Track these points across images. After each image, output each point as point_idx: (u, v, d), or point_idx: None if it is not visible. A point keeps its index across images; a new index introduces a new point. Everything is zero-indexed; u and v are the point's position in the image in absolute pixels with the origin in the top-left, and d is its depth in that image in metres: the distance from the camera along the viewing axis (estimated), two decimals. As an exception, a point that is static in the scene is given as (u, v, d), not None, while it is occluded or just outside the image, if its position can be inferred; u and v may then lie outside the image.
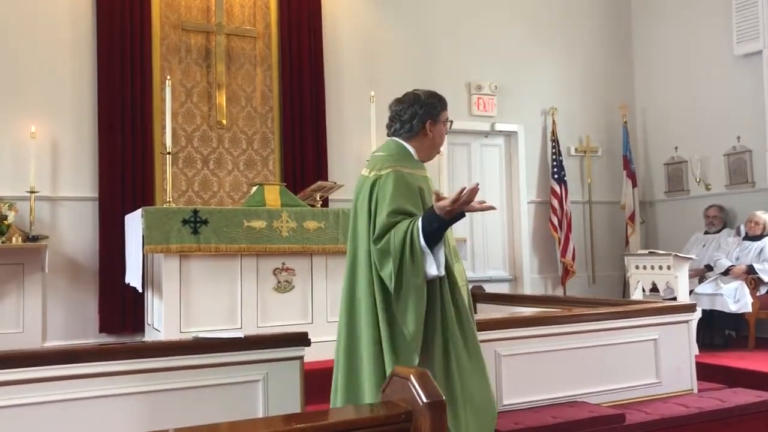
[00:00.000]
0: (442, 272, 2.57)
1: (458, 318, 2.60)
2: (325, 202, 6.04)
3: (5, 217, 5.56)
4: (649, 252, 6.50)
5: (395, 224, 2.57)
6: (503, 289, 7.77)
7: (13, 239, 5.55)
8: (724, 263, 6.56)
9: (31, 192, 5.78)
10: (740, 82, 7.52)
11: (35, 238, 5.71)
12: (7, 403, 2.80)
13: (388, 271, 2.55)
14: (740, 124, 7.50)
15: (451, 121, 2.92)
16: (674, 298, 5.85)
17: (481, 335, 2.93)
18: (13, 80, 5.99)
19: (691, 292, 6.21)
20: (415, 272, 2.51)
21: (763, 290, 6.34)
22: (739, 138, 7.51)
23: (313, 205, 5.36)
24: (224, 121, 6.63)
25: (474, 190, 2.45)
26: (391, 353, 2.57)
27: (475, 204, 2.82)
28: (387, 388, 1.60)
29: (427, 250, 2.52)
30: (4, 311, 5.64)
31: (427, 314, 2.56)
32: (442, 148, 3.04)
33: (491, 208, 2.84)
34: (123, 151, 6.16)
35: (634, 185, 8.40)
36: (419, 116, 2.80)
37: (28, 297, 5.71)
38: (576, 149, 8.47)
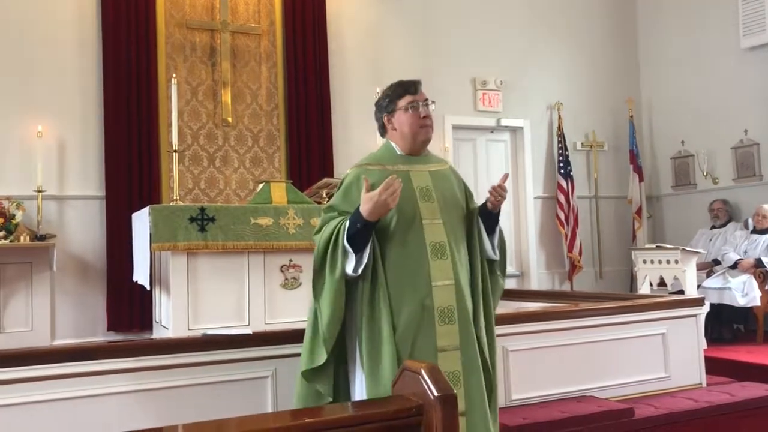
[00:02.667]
0: (358, 273, 2.54)
1: (371, 318, 2.56)
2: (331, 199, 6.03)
3: (13, 217, 5.58)
4: (657, 246, 6.48)
5: (329, 219, 2.66)
6: (510, 284, 7.75)
7: (21, 238, 5.57)
8: (732, 257, 6.54)
9: (39, 191, 5.80)
10: (747, 75, 7.49)
11: (43, 237, 5.73)
12: (18, 400, 2.82)
13: (314, 262, 2.64)
14: (747, 117, 7.47)
15: (425, 101, 2.77)
16: (682, 292, 5.84)
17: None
18: (19, 80, 6.01)
19: (698, 286, 6.19)
20: (333, 268, 2.56)
21: (771, 284, 6.32)
22: (746, 131, 7.48)
23: (319, 202, 5.36)
24: (230, 119, 6.63)
25: (393, 184, 2.47)
26: (308, 343, 2.66)
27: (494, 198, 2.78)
28: (398, 382, 1.60)
29: (350, 250, 2.53)
30: (14, 310, 5.66)
31: (350, 312, 2.62)
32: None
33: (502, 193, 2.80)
34: (129, 150, 6.18)
35: (641, 180, 8.38)
36: (378, 116, 2.86)
37: (36, 295, 5.73)
38: (582, 144, 8.45)
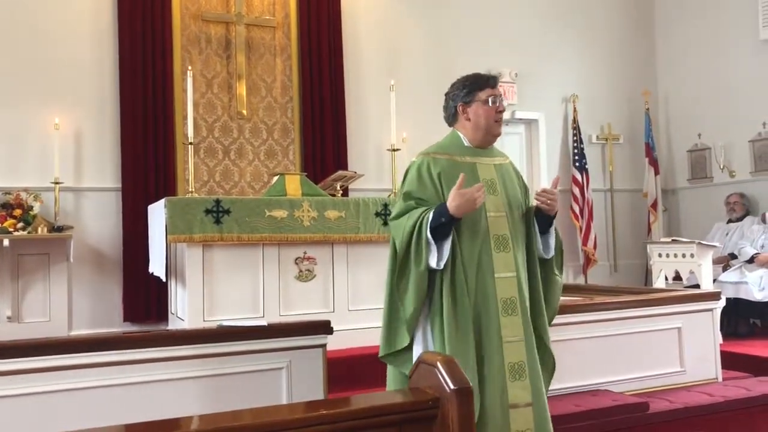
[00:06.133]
0: (441, 266, 2.60)
1: (453, 310, 2.60)
2: (345, 192, 6.05)
3: (31, 208, 5.63)
4: (672, 240, 6.43)
5: (411, 208, 2.68)
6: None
7: (39, 229, 5.62)
8: (749, 251, 6.48)
9: (56, 183, 5.84)
10: (766, 67, 7.40)
11: (60, 229, 5.78)
12: (36, 390, 2.85)
13: (397, 251, 2.67)
14: (766, 109, 7.38)
15: (500, 97, 2.84)
16: (697, 287, 5.79)
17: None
18: (36, 73, 6.05)
19: (714, 280, 6.14)
20: (417, 260, 2.60)
21: (788, 278, 6.25)
22: (764, 124, 7.40)
23: (333, 195, 5.37)
24: (245, 112, 6.65)
25: (479, 189, 2.56)
26: (386, 327, 2.69)
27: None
28: (414, 374, 1.60)
29: (432, 242, 2.58)
30: (31, 301, 5.72)
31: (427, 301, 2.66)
32: (503, 129, 2.95)
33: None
34: (145, 142, 6.21)
35: (657, 173, 8.32)
36: (451, 102, 2.88)
37: (53, 286, 5.79)
38: (597, 137, 8.39)
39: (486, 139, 2.83)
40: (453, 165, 2.74)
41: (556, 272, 2.90)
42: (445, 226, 2.58)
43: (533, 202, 2.86)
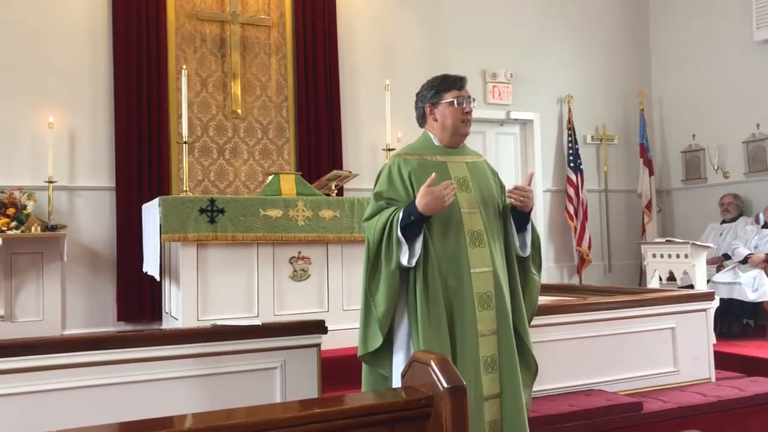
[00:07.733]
0: (413, 264, 2.61)
1: (427, 306, 2.61)
2: (340, 191, 6.05)
3: (24, 207, 5.61)
4: (666, 240, 6.45)
5: (382, 208, 2.71)
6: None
7: (32, 228, 5.60)
8: (743, 251, 6.50)
9: (50, 182, 5.83)
10: (760, 68, 7.43)
11: (54, 228, 5.76)
12: (29, 389, 2.85)
13: (369, 251, 2.70)
14: (759, 111, 7.41)
15: (468, 98, 2.83)
16: (691, 287, 5.81)
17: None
18: (30, 71, 6.03)
19: (708, 280, 6.16)
20: (388, 259, 2.62)
21: (782, 279, 6.27)
22: (758, 125, 7.43)
23: (328, 194, 5.36)
24: (239, 111, 6.64)
25: (447, 186, 2.58)
26: (362, 328, 2.71)
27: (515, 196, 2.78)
28: (407, 373, 1.60)
29: (403, 241, 2.60)
30: (24, 300, 5.69)
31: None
32: (471, 129, 2.90)
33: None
34: (139, 141, 6.19)
35: (651, 173, 8.34)
36: (419, 104, 2.91)
37: (47, 286, 5.76)
38: (592, 137, 8.41)
39: (454, 139, 2.86)
40: (423, 164, 2.76)
41: (534, 271, 2.91)
42: (415, 224, 2.59)
43: (508, 201, 2.85)
